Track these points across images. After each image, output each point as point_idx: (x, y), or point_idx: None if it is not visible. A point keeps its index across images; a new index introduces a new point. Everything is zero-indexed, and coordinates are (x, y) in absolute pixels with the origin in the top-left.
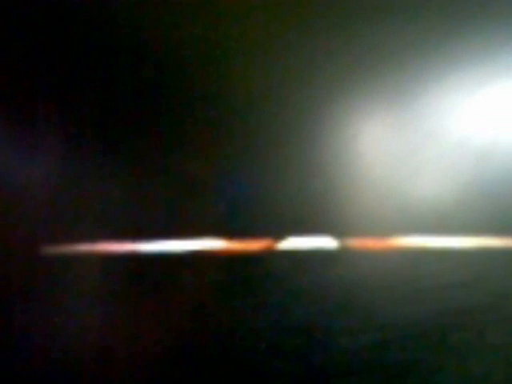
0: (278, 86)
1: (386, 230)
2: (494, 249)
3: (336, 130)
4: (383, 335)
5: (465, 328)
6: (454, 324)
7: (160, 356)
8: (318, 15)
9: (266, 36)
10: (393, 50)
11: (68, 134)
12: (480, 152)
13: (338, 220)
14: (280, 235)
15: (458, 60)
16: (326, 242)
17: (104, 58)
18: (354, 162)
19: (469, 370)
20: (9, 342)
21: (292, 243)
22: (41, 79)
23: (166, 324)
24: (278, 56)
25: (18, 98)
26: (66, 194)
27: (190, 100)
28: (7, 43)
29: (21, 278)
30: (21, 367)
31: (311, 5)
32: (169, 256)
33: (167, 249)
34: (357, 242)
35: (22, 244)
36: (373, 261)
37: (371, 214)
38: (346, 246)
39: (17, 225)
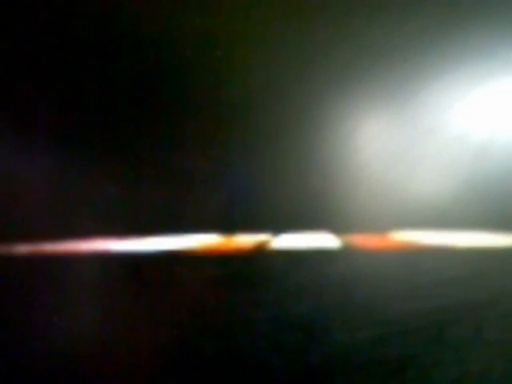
0: (277, 83)
1: (384, 225)
2: (492, 247)
3: (335, 126)
4: (381, 331)
5: (462, 323)
6: (451, 319)
7: (155, 353)
8: (317, 12)
9: (265, 32)
10: (391, 47)
11: (67, 130)
12: (478, 148)
13: (337, 216)
14: (278, 230)
15: (457, 57)
16: (324, 238)
17: (104, 57)
18: (352, 158)
19: (466, 365)
20: None
21: (290, 240)
22: (41, 78)
23: (161, 322)
24: (277, 52)
25: (17, 97)
26: (64, 190)
27: (189, 96)
28: (7, 44)
29: None
30: None
31: (310, 2)
32: (163, 254)
33: (161, 247)
34: (355, 240)
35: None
36: (371, 259)
37: (370, 209)
38: (344, 244)
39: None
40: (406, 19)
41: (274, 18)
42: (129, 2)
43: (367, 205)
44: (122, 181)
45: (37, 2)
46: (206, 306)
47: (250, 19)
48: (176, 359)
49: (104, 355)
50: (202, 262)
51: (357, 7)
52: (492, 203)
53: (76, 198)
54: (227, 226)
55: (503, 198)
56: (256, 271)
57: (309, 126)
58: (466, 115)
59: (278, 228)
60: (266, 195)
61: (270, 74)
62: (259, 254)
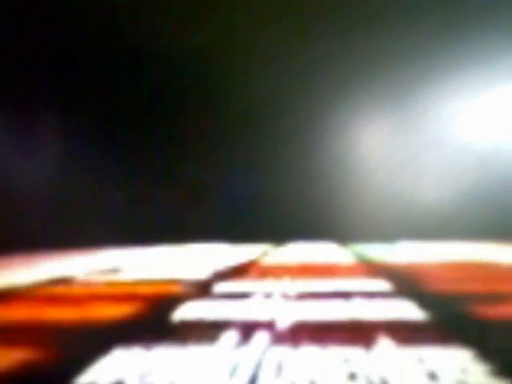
0: (281, 95)
1: (389, 235)
2: None
3: (338, 137)
4: None
5: None
6: None
7: None
8: (321, 25)
9: (268, 45)
10: (394, 59)
11: (71, 141)
12: (482, 158)
13: (341, 226)
14: (283, 240)
15: (460, 69)
16: (329, 248)
17: (113, 70)
18: (355, 169)
19: None
20: None
21: (295, 249)
22: (49, 89)
23: None
24: (281, 64)
25: (23, 106)
26: (69, 199)
27: (194, 109)
28: (9, 47)
29: None
30: None
31: (314, 15)
32: None
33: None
34: None
35: None
36: None
37: (374, 219)
38: None
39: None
40: (408, 32)
41: (279, 31)
42: (133, 16)
43: (371, 215)
44: (126, 191)
45: (43, 19)
46: None
47: (254, 34)
48: None
49: None
50: None
51: (360, 21)
52: (496, 212)
53: (81, 207)
54: (231, 236)
55: (507, 207)
56: None
57: (312, 137)
58: (470, 126)
59: (282, 238)
60: (269, 206)
61: (273, 86)
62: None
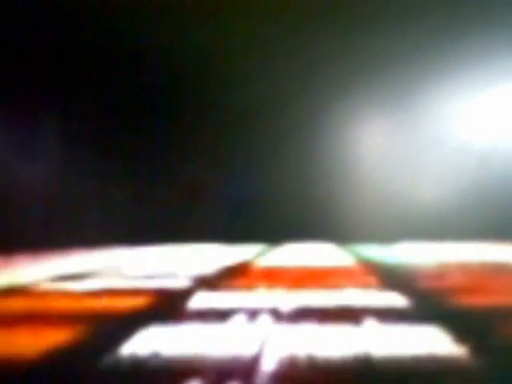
0: (280, 96)
1: (387, 235)
2: None
3: (338, 137)
4: None
5: None
6: None
7: None
8: (321, 25)
9: (267, 45)
10: (394, 59)
11: (72, 141)
12: (481, 158)
13: (339, 226)
14: (281, 240)
15: (460, 67)
16: (327, 248)
17: (108, 68)
18: (355, 169)
19: None
20: None
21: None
22: (45, 85)
23: None
24: (281, 65)
25: (23, 106)
26: (69, 199)
27: (193, 110)
28: (10, 49)
29: None
30: None
31: (314, 15)
32: None
33: None
34: None
35: None
36: None
37: (372, 219)
38: None
39: None
40: (408, 32)
41: (278, 31)
42: (133, 16)
43: (371, 215)
44: (125, 191)
45: (44, 18)
46: None
47: (254, 34)
48: None
49: None
50: None
51: (359, 21)
52: (495, 212)
53: (81, 207)
54: (229, 236)
55: (507, 207)
56: None
57: (312, 136)
58: (469, 125)
59: (280, 238)
60: (269, 206)
61: (273, 86)
62: None
